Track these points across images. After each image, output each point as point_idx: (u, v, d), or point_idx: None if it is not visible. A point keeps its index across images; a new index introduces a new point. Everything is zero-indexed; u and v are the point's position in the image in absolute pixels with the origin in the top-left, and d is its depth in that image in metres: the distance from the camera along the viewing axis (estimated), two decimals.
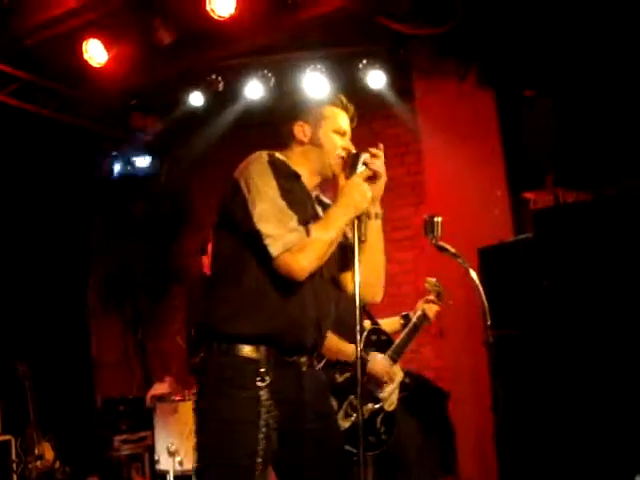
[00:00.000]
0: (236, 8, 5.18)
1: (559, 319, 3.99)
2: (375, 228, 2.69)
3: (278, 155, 2.65)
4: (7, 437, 5.60)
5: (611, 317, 3.86)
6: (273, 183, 2.49)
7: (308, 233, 2.42)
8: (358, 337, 2.41)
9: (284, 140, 2.78)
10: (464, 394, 5.52)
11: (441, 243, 3.57)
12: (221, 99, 6.43)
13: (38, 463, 5.73)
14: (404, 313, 4.26)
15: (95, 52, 5.60)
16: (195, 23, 5.44)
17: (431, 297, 4.16)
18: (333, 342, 3.71)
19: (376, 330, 4.07)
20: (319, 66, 6.15)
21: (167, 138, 7.23)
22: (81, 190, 7.33)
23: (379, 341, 4.02)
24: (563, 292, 4.04)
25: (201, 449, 2.46)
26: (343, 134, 2.75)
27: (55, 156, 6.75)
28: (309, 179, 2.72)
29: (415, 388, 5.70)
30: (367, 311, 4.18)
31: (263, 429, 2.38)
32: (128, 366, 7.74)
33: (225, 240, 2.55)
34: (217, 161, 7.07)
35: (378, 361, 3.85)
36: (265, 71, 6.16)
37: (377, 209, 2.70)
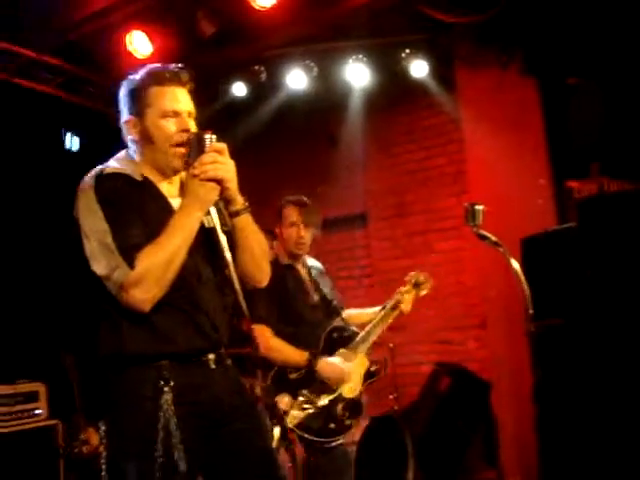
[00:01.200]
0: None
1: (603, 309, 3.94)
2: (242, 224, 2.45)
3: (112, 168, 2.41)
4: (54, 422, 5.70)
5: None
6: (98, 214, 2.27)
7: (134, 264, 2.20)
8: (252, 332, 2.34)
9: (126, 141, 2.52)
10: (506, 385, 5.49)
11: (482, 231, 3.55)
12: (264, 89, 6.46)
13: (84, 448, 5.82)
14: (385, 303, 4.29)
15: (139, 44, 5.66)
16: (237, 14, 5.47)
17: (404, 288, 4.21)
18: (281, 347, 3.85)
19: (337, 328, 4.12)
20: (361, 56, 6.15)
21: (210, 128, 7.28)
22: None
23: (341, 338, 4.08)
24: (607, 282, 3.99)
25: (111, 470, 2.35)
26: (175, 115, 2.42)
27: (102, 148, 6.84)
28: (158, 178, 2.46)
29: (457, 381, 5.71)
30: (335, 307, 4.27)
31: (163, 435, 2.23)
32: None
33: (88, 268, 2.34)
34: (260, 151, 7.12)
35: (326, 366, 3.86)
36: (308, 61, 6.16)
37: (238, 205, 2.42)
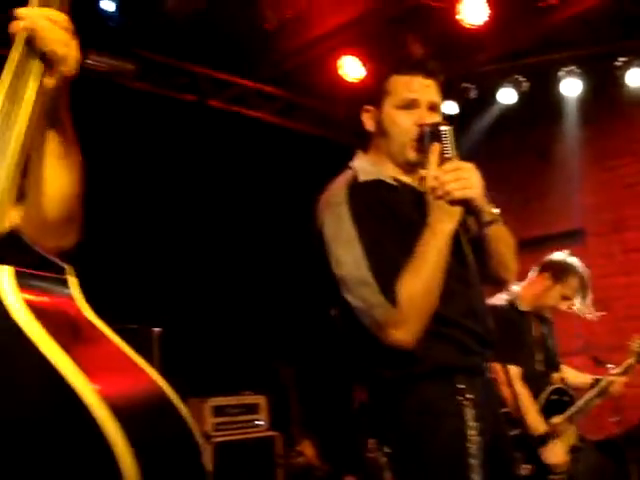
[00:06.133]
0: (488, 15, 5.17)
1: None
2: (493, 234, 2.20)
3: (364, 172, 2.16)
4: (273, 433, 5.92)
5: None
6: (351, 235, 2.03)
7: (395, 299, 1.94)
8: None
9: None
10: None
11: None
12: (474, 106, 6.43)
13: (300, 459, 6.00)
14: (597, 377, 4.14)
15: (350, 68, 5.83)
16: (447, 33, 5.49)
17: (619, 369, 4.05)
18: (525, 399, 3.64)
19: (559, 390, 3.92)
20: (573, 67, 5.98)
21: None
22: None
23: (560, 402, 3.88)
24: None
25: None
26: (411, 105, 2.15)
27: (313, 171, 7.07)
28: (402, 176, 2.20)
29: None
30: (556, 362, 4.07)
31: (474, 460, 1.99)
32: None
33: None
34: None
35: (555, 452, 3.66)
36: (518, 75, 6.08)
37: (487, 216, 2.15)
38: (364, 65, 5.77)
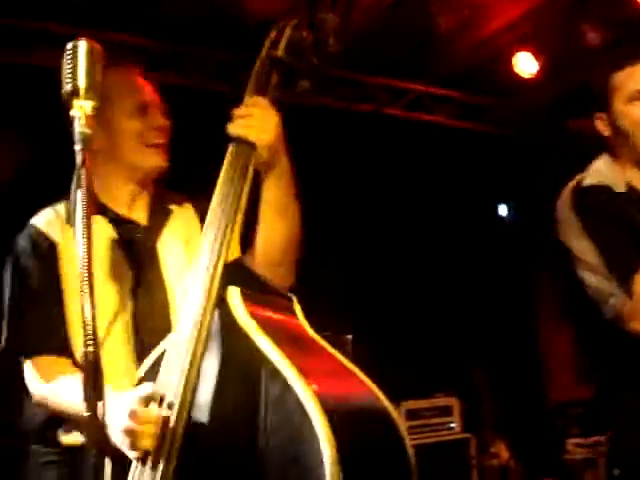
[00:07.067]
0: None
1: None
2: None
3: (591, 178, 2.10)
4: (467, 435, 5.91)
5: None
6: (583, 236, 2.02)
7: (631, 289, 1.91)
8: None
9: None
10: None
11: None
12: None
13: (494, 461, 5.96)
14: None
15: (525, 64, 5.73)
16: (625, 16, 5.28)
17: None
18: None
19: None
20: None
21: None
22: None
23: None
24: None
25: None
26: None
27: (496, 171, 6.96)
28: None
29: None
30: None
31: None
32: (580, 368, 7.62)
33: None
34: None
35: None
36: None
37: None
38: (537, 60, 5.65)
